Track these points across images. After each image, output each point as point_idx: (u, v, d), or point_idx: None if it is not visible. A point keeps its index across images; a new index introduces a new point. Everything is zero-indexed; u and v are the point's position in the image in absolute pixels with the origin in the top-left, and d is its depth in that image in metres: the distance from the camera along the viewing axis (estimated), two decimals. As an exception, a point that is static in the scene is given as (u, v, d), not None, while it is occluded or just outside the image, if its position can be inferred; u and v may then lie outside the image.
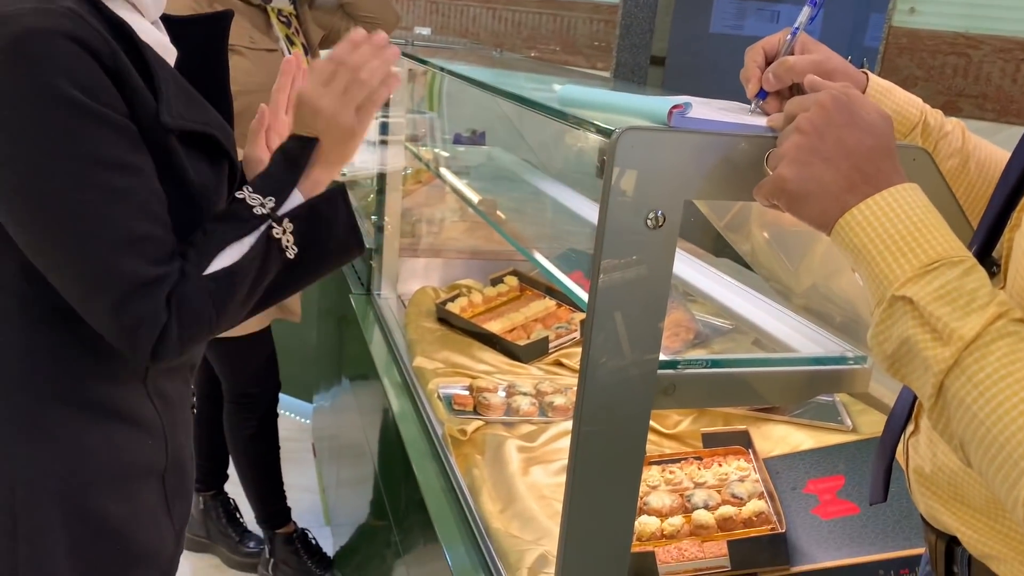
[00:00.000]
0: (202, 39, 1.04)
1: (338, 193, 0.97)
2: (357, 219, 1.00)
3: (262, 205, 0.92)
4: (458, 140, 3.28)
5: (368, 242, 2.24)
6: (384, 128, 2.30)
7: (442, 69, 1.66)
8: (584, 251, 1.81)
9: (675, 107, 0.73)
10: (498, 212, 1.89)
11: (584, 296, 0.85)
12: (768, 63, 0.87)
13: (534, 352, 1.85)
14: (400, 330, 1.95)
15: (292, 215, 0.93)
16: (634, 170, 0.73)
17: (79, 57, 0.81)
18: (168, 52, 0.97)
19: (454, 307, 1.98)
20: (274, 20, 2.07)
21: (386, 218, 2.14)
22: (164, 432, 1.02)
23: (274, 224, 0.92)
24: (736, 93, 0.93)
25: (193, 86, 0.99)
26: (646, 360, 0.79)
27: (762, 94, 0.86)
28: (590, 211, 2.04)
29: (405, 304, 2.09)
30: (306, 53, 2.14)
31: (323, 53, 2.26)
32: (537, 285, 2.11)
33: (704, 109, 0.80)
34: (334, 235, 0.97)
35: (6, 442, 0.93)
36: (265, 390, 2.26)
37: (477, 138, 3.38)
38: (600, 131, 0.78)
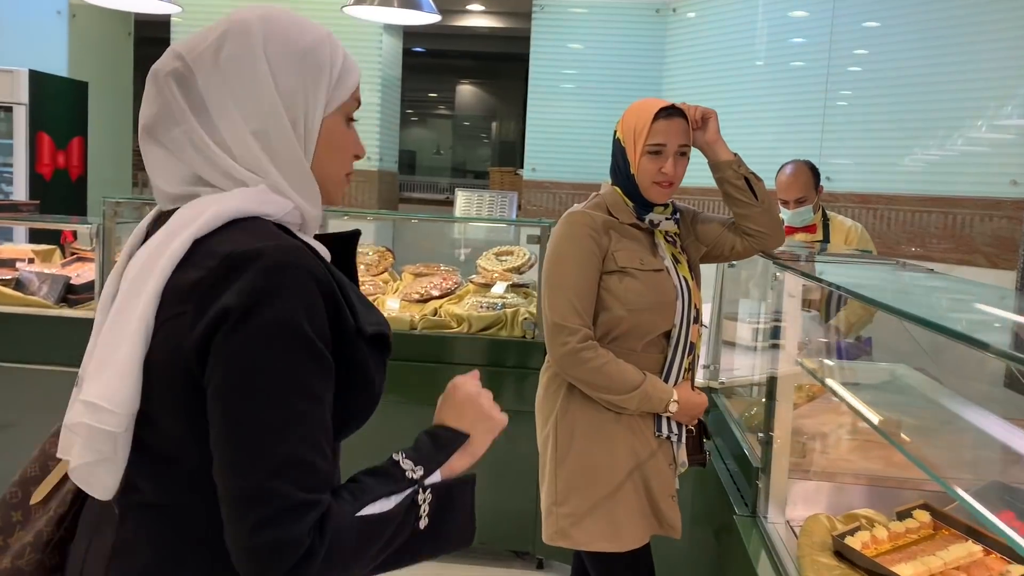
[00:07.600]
0: (340, 252, 1.08)
1: (470, 481, 1.07)
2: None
3: (413, 471, 1.01)
4: (840, 349, 3.11)
5: (754, 460, 2.14)
6: (776, 332, 2.19)
7: (852, 293, 1.57)
8: (1016, 486, 1.54)
9: None
10: (902, 434, 1.70)
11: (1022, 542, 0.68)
12: None
13: (959, 608, 1.57)
14: (792, 561, 1.79)
15: (434, 488, 1.02)
16: None
17: (314, 294, 0.91)
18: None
19: (854, 542, 1.77)
20: (660, 240, 2.13)
21: (775, 432, 2.02)
22: None
23: (420, 491, 1.00)
24: None
25: None
26: None
27: None
28: (1009, 435, 1.76)
29: (795, 531, 1.93)
30: (690, 270, 2.16)
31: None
32: (955, 524, 1.83)
33: None
34: (458, 520, 1.04)
35: None
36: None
37: (863, 345, 3.17)
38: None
